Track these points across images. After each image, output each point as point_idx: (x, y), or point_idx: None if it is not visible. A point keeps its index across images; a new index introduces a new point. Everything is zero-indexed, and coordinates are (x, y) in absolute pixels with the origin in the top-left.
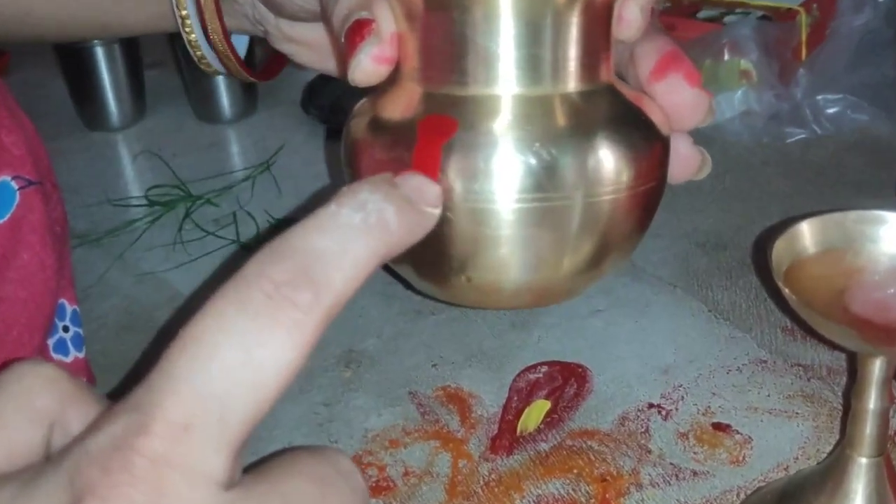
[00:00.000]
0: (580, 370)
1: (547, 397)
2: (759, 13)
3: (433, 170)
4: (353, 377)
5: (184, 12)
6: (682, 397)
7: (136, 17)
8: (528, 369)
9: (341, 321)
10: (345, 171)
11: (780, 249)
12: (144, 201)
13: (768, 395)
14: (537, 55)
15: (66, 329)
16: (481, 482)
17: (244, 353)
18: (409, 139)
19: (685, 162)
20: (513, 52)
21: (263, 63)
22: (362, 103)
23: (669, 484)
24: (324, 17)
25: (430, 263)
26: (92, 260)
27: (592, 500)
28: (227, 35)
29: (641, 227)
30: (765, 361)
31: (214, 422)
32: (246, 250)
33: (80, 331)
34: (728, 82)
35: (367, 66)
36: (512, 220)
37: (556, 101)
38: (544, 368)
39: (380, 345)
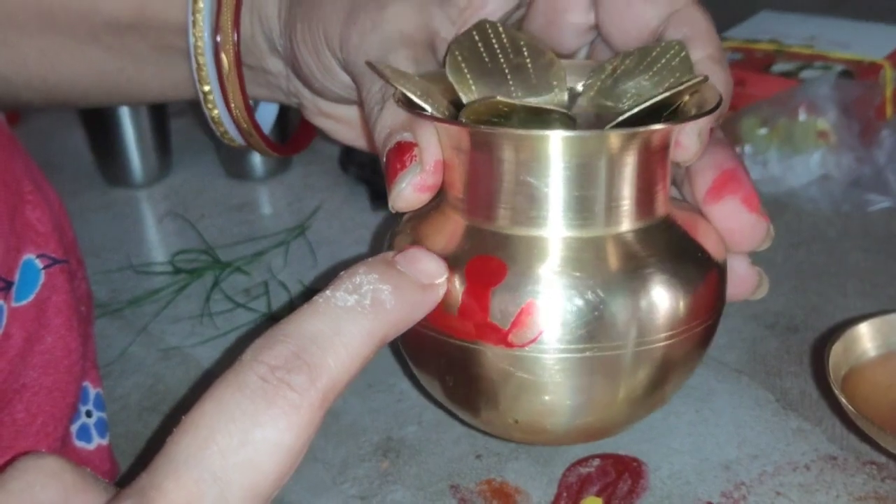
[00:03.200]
0: (635, 464)
1: (599, 494)
2: (840, 67)
3: (481, 315)
4: (390, 468)
5: (206, 88)
6: (744, 496)
7: (161, 85)
8: (580, 463)
9: (378, 406)
10: None
11: (837, 354)
12: (170, 268)
13: (837, 497)
14: (589, 196)
15: (88, 414)
16: None
17: (241, 435)
18: (457, 278)
19: (741, 283)
20: (563, 193)
21: (292, 135)
22: (404, 224)
23: None
24: (361, 114)
25: (475, 404)
26: (113, 333)
27: None
28: (250, 112)
29: (699, 359)
30: (835, 458)
31: (214, 503)
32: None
33: (104, 415)
34: (804, 144)
35: (408, 196)
36: (559, 370)
37: (608, 243)
38: (596, 462)
39: (420, 433)
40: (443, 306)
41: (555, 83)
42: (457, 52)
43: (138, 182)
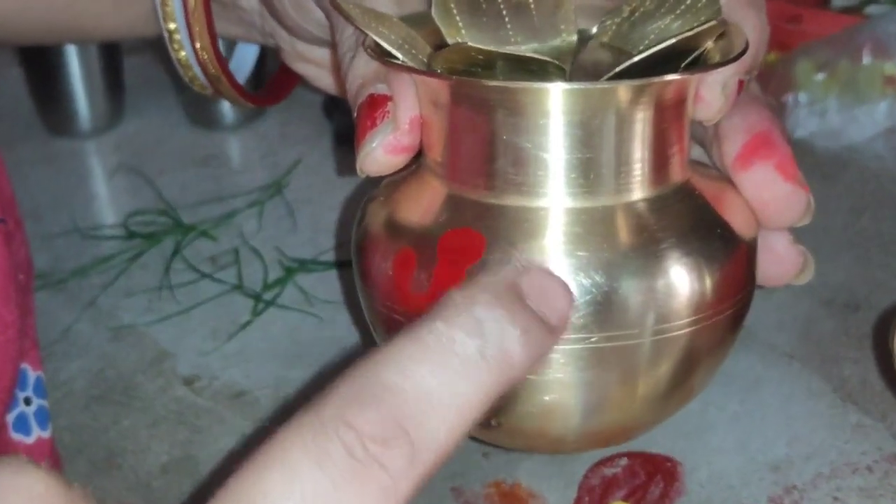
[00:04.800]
0: (669, 465)
1: (626, 499)
2: None
3: None
4: None
5: (171, 25)
6: (796, 502)
7: (117, 21)
8: (603, 462)
9: None
10: (353, 260)
11: None
12: (122, 232)
13: None
14: (592, 160)
15: (27, 401)
16: None
17: None
18: (429, 255)
19: (781, 264)
20: (560, 156)
21: (268, 82)
22: (380, 190)
23: None
24: (334, 60)
25: None
26: (55, 307)
27: None
28: (218, 54)
29: (726, 350)
30: None
31: None
32: (256, 301)
33: (45, 403)
34: (869, 92)
35: (379, 158)
36: (561, 364)
37: (618, 215)
38: (623, 461)
39: None
40: (411, 284)
41: (562, 27)
42: None
43: (86, 131)
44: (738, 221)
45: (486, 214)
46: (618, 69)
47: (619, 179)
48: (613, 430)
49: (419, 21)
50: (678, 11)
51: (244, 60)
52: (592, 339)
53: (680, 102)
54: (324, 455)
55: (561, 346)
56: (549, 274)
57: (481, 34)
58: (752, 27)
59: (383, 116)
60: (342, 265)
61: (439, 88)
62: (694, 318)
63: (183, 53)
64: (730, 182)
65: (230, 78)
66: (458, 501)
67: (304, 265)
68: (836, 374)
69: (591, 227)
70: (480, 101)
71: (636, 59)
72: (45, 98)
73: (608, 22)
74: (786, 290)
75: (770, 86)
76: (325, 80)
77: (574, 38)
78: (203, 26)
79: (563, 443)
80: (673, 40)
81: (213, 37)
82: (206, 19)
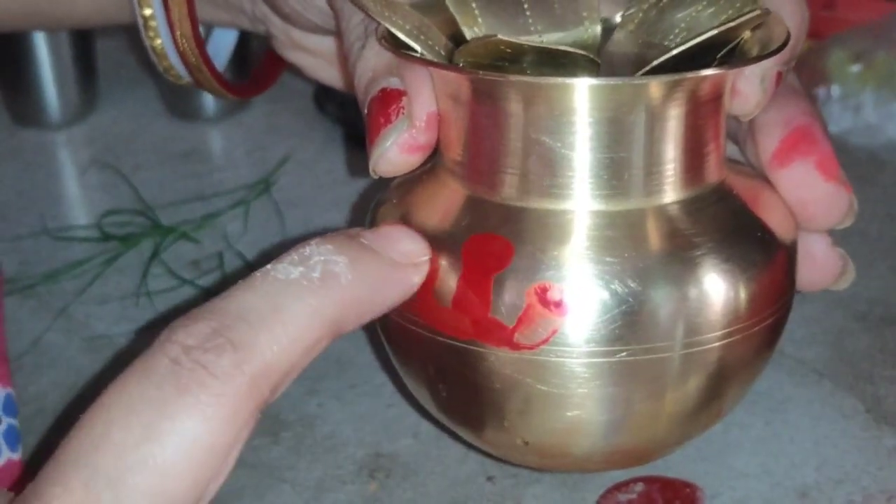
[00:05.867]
0: (688, 490)
1: None
2: None
3: (481, 309)
4: (379, 492)
5: (147, 11)
6: None
7: (89, 7)
8: (618, 487)
9: (364, 413)
10: None
11: None
12: (96, 233)
13: None
14: (621, 159)
15: None
16: None
17: (143, 430)
18: (451, 262)
19: (819, 269)
20: (588, 156)
21: (254, 71)
22: (391, 191)
23: None
24: (340, 49)
25: (475, 420)
26: (24, 316)
27: None
28: (200, 42)
29: (763, 364)
30: None
31: None
32: None
33: (15, 422)
34: None
35: (394, 158)
36: (582, 378)
37: (647, 218)
38: (640, 487)
39: (416, 447)
40: (433, 296)
41: (584, 14)
42: None
43: (55, 122)
44: (777, 224)
45: (512, 218)
46: (654, 63)
47: (648, 181)
48: (637, 450)
49: (431, 8)
50: None
51: (222, 46)
52: (621, 354)
53: (716, 98)
54: (150, 368)
55: (586, 360)
56: (397, 227)
57: (499, 22)
58: (790, 13)
59: (398, 112)
60: None
61: (460, 84)
62: (728, 330)
63: (159, 41)
64: (766, 181)
65: (211, 67)
66: None
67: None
68: (870, 393)
69: (622, 232)
70: (506, 97)
71: (674, 52)
72: (11, 86)
73: (633, 9)
74: (817, 301)
75: (800, 78)
76: (322, 70)
77: (598, 27)
78: (183, 11)
79: (586, 462)
80: (713, 32)
81: (193, 22)
82: (188, 4)
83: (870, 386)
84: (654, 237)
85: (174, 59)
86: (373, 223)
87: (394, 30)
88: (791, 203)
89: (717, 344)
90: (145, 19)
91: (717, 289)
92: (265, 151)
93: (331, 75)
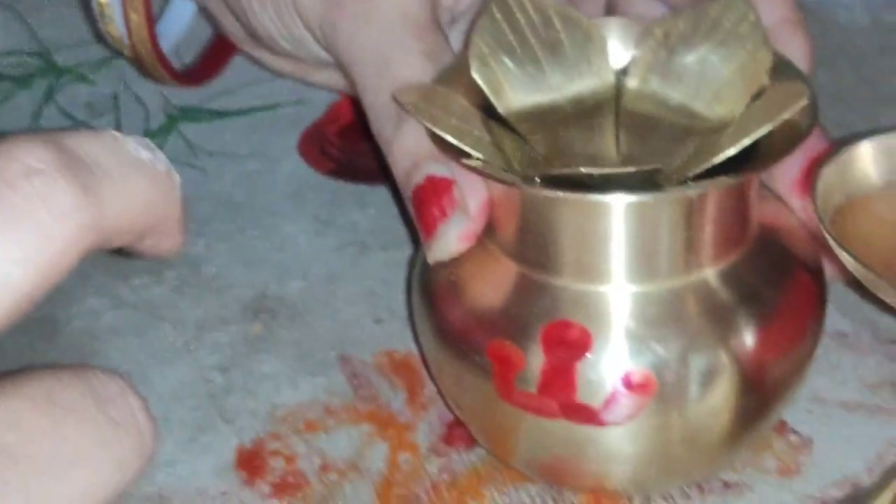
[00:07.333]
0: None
1: None
2: None
3: (568, 394)
4: (263, 333)
5: None
6: None
7: None
8: None
9: (252, 255)
10: (426, 346)
11: (829, 180)
12: None
13: (843, 383)
14: (659, 247)
15: None
16: (427, 483)
17: None
18: (532, 350)
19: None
20: (634, 249)
21: (202, 59)
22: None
23: (689, 497)
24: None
25: (556, 475)
26: None
27: None
28: (150, 19)
29: (796, 389)
30: (845, 335)
31: None
32: None
33: None
34: None
35: (453, 249)
36: (657, 440)
37: (688, 294)
38: None
39: (305, 289)
40: (516, 381)
41: (593, 59)
42: (480, 44)
43: None
44: (806, 255)
45: (576, 302)
46: (696, 171)
47: (687, 261)
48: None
49: (454, 76)
50: (719, 38)
51: (177, 20)
52: (681, 413)
53: (749, 183)
54: None
55: (623, 426)
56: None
57: (522, 84)
58: (801, 54)
59: (452, 205)
60: (232, 115)
61: (511, 193)
62: (775, 370)
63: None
64: (786, 205)
65: (158, 50)
66: (344, 371)
67: (190, 113)
68: None
69: (662, 308)
70: (552, 207)
71: (717, 160)
72: None
73: (642, 51)
74: None
75: None
76: (288, 68)
77: (611, 77)
78: None
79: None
80: (762, 131)
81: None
82: None
83: None
84: (695, 309)
85: (120, 22)
86: (428, 290)
87: (443, 134)
88: (812, 230)
89: (751, 392)
90: None
91: (755, 347)
92: None
93: (298, 71)
